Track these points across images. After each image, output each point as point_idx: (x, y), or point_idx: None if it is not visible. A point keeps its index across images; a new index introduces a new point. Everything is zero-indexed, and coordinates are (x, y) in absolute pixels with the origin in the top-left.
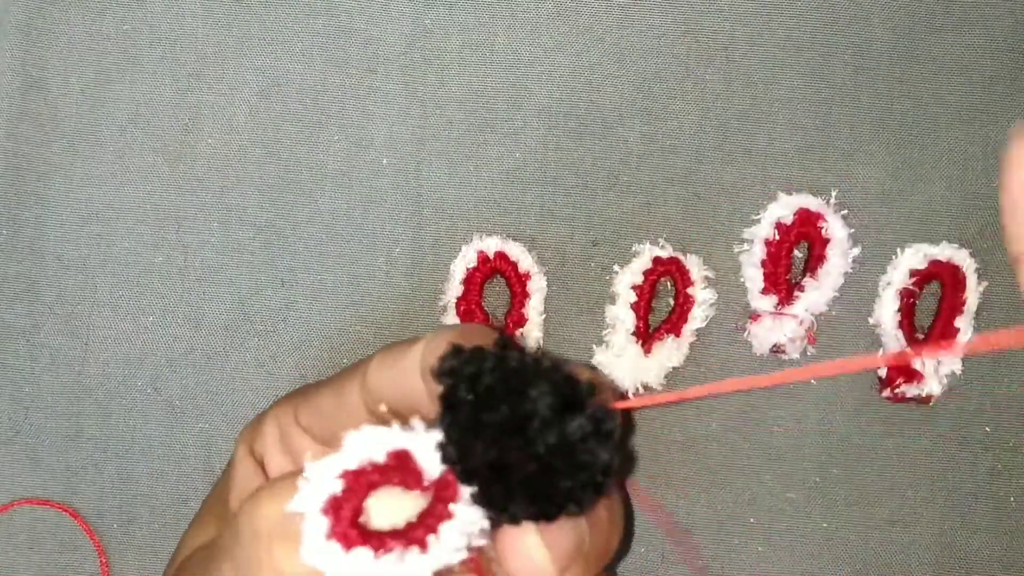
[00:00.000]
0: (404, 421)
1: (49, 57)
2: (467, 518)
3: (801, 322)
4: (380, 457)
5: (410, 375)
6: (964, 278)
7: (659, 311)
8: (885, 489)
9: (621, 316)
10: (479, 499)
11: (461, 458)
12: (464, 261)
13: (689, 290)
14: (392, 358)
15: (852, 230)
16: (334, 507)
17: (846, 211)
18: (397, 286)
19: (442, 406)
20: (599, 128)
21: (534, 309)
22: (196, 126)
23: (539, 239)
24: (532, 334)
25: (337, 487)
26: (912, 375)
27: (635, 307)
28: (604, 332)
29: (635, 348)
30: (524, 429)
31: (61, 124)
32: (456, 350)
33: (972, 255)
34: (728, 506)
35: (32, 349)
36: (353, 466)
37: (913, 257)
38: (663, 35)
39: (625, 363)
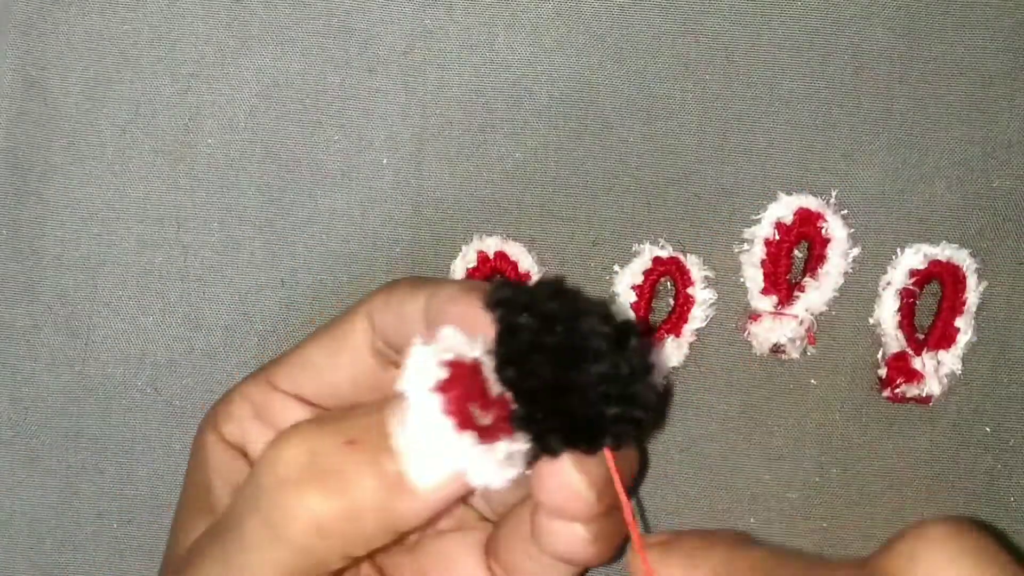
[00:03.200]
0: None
1: (49, 57)
2: (519, 442)
3: (801, 322)
4: (467, 360)
5: (411, 322)
6: (964, 278)
7: (659, 311)
8: (885, 489)
9: None
10: (523, 423)
11: (520, 379)
12: (464, 261)
13: (689, 290)
14: (396, 303)
15: (852, 230)
16: (447, 388)
17: (846, 211)
18: None
19: (499, 331)
20: (599, 128)
21: None
22: (196, 126)
23: (539, 239)
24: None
25: (443, 373)
26: (912, 375)
27: (635, 307)
28: None
29: None
30: (578, 357)
31: (61, 124)
32: (506, 282)
33: (972, 255)
34: (728, 506)
35: (32, 349)
36: (450, 358)
37: (913, 257)
38: (663, 35)
39: None
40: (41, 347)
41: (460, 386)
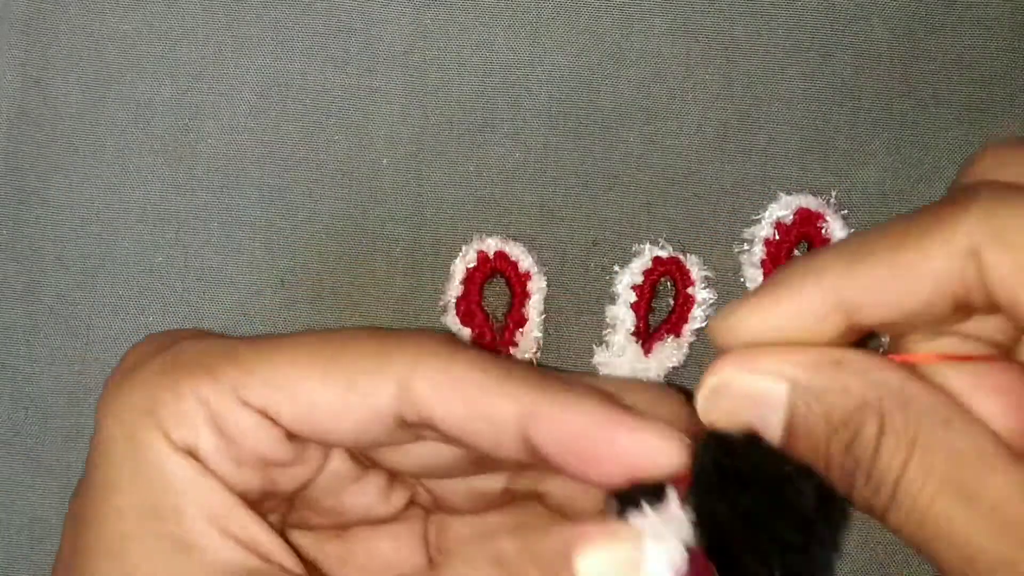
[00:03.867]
0: (446, 440)
1: (49, 57)
2: None
3: None
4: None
5: (493, 423)
6: None
7: (659, 311)
8: None
9: (621, 316)
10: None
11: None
12: (464, 261)
13: (689, 290)
14: (465, 388)
15: (852, 230)
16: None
17: (846, 211)
18: (397, 286)
19: (705, 518)
20: (599, 128)
21: (534, 309)
22: (196, 126)
23: (539, 239)
24: (532, 334)
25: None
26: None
27: (635, 307)
28: (604, 332)
29: (635, 348)
30: (782, 518)
31: (61, 124)
32: (714, 437)
33: None
34: None
35: (32, 349)
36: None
37: None
38: (663, 35)
39: (625, 363)
40: (41, 347)
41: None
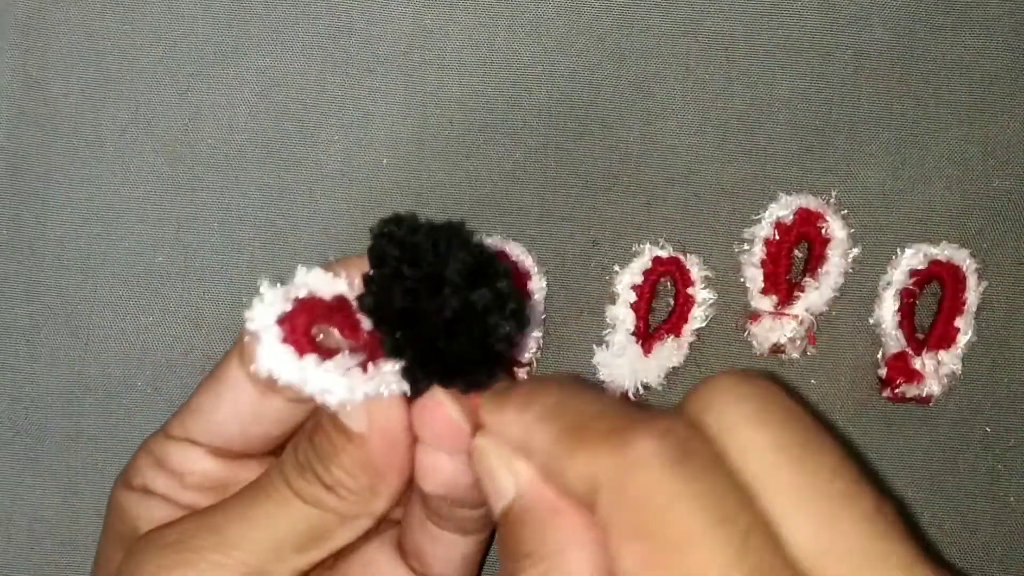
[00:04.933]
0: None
1: (49, 57)
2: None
3: (801, 322)
4: (326, 296)
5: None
6: (964, 278)
7: (659, 311)
8: (885, 489)
9: (621, 316)
10: (390, 350)
11: (377, 306)
12: None
13: (689, 290)
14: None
15: (852, 230)
16: (288, 320)
17: (846, 211)
18: None
19: (370, 261)
20: (599, 128)
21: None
22: (196, 126)
23: (539, 239)
24: (532, 334)
25: (289, 306)
26: (912, 375)
27: (635, 307)
28: (604, 332)
29: (635, 348)
30: (438, 291)
31: (61, 124)
32: (394, 217)
33: (972, 255)
34: None
35: (32, 349)
36: (303, 295)
37: (913, 257)
38: (663, 35)
39: (625, 363)
40: (41, 347)
41: (304, 317)
